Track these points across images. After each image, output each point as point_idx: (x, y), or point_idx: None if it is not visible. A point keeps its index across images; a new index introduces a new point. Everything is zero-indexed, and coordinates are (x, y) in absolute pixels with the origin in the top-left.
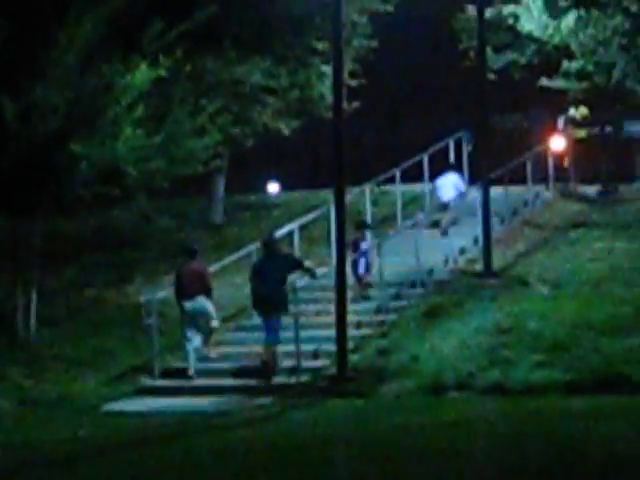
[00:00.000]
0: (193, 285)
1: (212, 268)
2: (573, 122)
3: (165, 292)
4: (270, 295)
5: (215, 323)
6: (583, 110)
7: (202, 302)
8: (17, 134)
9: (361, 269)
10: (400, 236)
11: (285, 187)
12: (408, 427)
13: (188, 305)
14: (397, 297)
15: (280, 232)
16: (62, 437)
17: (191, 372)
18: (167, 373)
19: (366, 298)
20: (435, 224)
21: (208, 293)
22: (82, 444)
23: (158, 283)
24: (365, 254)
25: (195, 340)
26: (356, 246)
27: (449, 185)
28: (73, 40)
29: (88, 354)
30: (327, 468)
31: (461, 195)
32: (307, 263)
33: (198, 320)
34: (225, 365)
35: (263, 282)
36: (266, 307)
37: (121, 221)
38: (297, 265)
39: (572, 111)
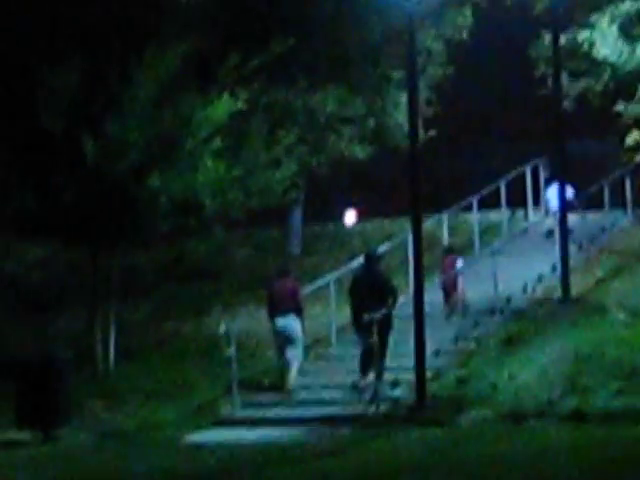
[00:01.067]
0: (285, 302)
1: None
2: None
3: (243, 323)
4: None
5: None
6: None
7: (292, 320)
8: (97, 170)
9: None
10: (478, 264)
11: (362, 216)
12: (488, 456)
13: (280, 322)
14: (476, 325)
15: (357, 262)
16: (142, 470)
17: (290, 387)
18: (247, 404)
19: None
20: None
21: (299, 312)
22: (163, 476)
23: (236, 314)
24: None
25: (290, 354)
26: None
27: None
28: (151, 75)
29: (167, 386)
30: None
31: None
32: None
33: (289, 337)
34: (305, 395)
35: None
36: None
37: (198, 253)
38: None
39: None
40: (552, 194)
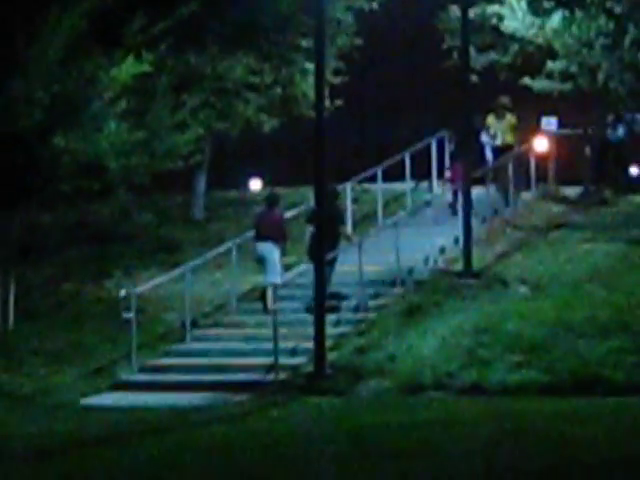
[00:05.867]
0: (268, 230)
1: (192, 263)
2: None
3: (143, 287)
4: None
5: (277, 278)
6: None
7: (271, 249)
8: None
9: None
10: (380, 235)
11: (267, 184)
12: (384, 426)
13: (259, 247)
14: (376, 296)
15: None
16: (38, 431)
17: (270, 308)
18: (145, 368)
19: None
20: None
21: (281, 240)
22: (57, 439)
23: (137, 278)
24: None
25: (267, 278)
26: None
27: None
28: (55, 35)
29: (66, 348)
30: (301, 465)
31: None
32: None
33: (265, 264)
34: (204, 360)
35: None
36: None
37: (101, 216)
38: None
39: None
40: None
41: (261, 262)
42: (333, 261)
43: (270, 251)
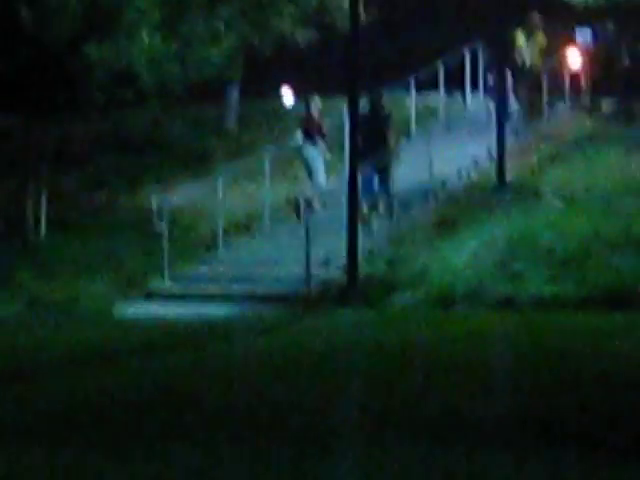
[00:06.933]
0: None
1: (223, 174)
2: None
3: (175, 197)
4: None
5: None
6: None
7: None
8: (33, 38)
9: None
10: (414, 146)
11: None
12: (415, 339)
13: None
14: (409, 208)
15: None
16: (70, 340)
17: (317, 205)
18: (176, 278)
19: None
20: None
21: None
22: (89, 348)
23: (169, 188)
24: None
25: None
26: None
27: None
28: None
29: (98, 258)
30: (334, 377)
31: None
32: None
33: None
34: (237, 271)
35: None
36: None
37: (134, 126)
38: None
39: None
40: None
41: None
42: (385, 168)
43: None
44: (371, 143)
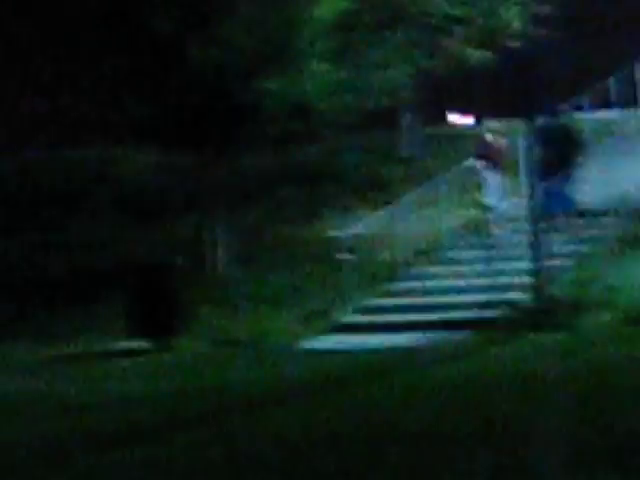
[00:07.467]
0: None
1: (402, 201)
2: None
3: (356, 226)
4: None
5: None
6: None
7: None
8: (202, 74)
9: None
10: (594, 164)
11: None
12: (617, 361)
13: None
14: (592, 226)
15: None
16: (262, 377)
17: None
18: (361, 309)
19: None
20: None
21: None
22: (284, 384)
23: (349, 218)
24: None
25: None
26: None
27: None
28: None
29: (280, 291)
30: (538, 405)
31: None
32: None
33: None
34: (418, 300)
35: None
36: None
37: (309, 156)
38: None
39: None
40: None
41: None
42: (567, 187)
43: None
44: (554, 163)
